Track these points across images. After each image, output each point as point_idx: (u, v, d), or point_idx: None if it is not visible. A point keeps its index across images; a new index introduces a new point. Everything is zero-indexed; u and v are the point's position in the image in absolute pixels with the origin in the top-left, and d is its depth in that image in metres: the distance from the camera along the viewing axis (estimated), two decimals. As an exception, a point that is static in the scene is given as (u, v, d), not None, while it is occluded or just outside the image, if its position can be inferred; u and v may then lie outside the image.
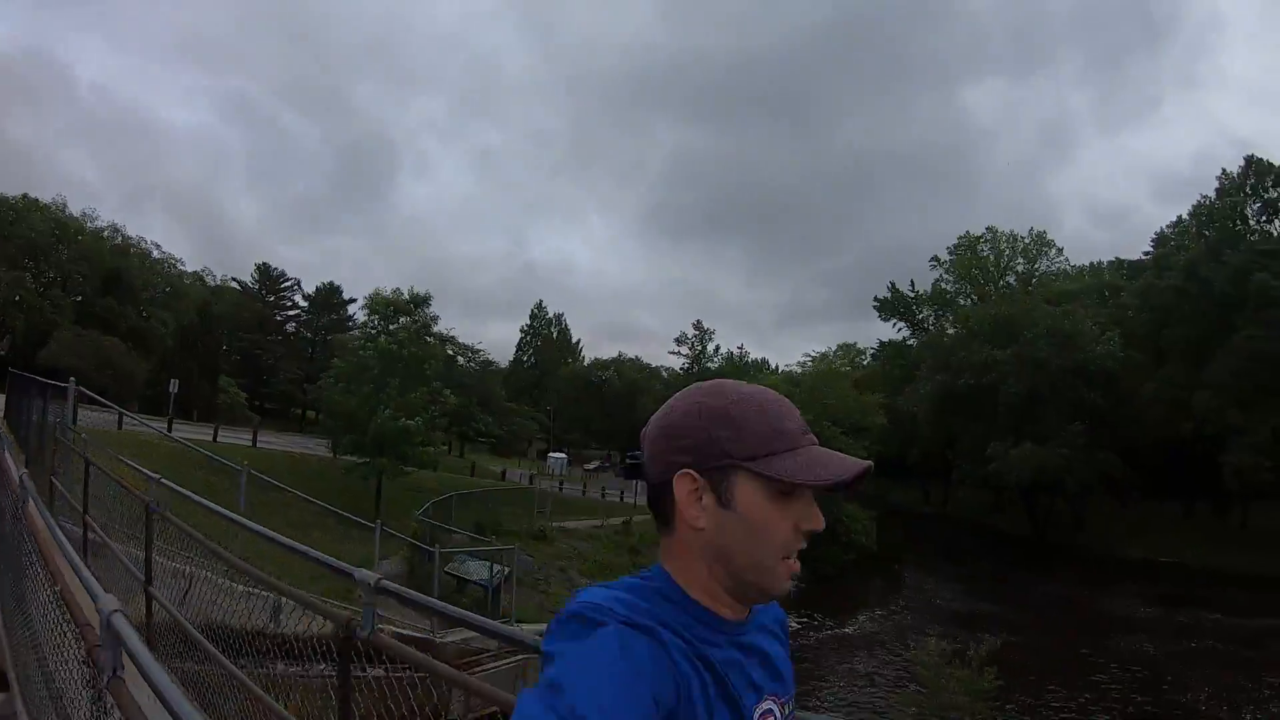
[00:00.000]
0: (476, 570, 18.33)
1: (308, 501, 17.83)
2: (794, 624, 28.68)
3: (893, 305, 58.15)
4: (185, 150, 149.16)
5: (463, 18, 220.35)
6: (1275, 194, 46.73)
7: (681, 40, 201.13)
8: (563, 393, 73.52)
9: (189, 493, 6.52)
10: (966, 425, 47.53)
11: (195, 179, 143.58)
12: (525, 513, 30.34)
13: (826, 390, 38.50)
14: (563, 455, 57.81)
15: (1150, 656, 25.81)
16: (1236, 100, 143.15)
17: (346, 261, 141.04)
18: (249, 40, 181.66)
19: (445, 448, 31.67)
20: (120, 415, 25.25)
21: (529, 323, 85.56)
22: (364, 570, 3.21)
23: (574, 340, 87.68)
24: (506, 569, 18.38)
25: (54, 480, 9.36)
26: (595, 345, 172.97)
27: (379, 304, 28.89)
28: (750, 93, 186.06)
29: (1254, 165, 47.21)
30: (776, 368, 58.46)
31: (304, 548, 4.28)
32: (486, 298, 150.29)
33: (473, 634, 12.99)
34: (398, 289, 29.72)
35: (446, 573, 18.97)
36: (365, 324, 29.11)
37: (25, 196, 53.20)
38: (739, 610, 1.07)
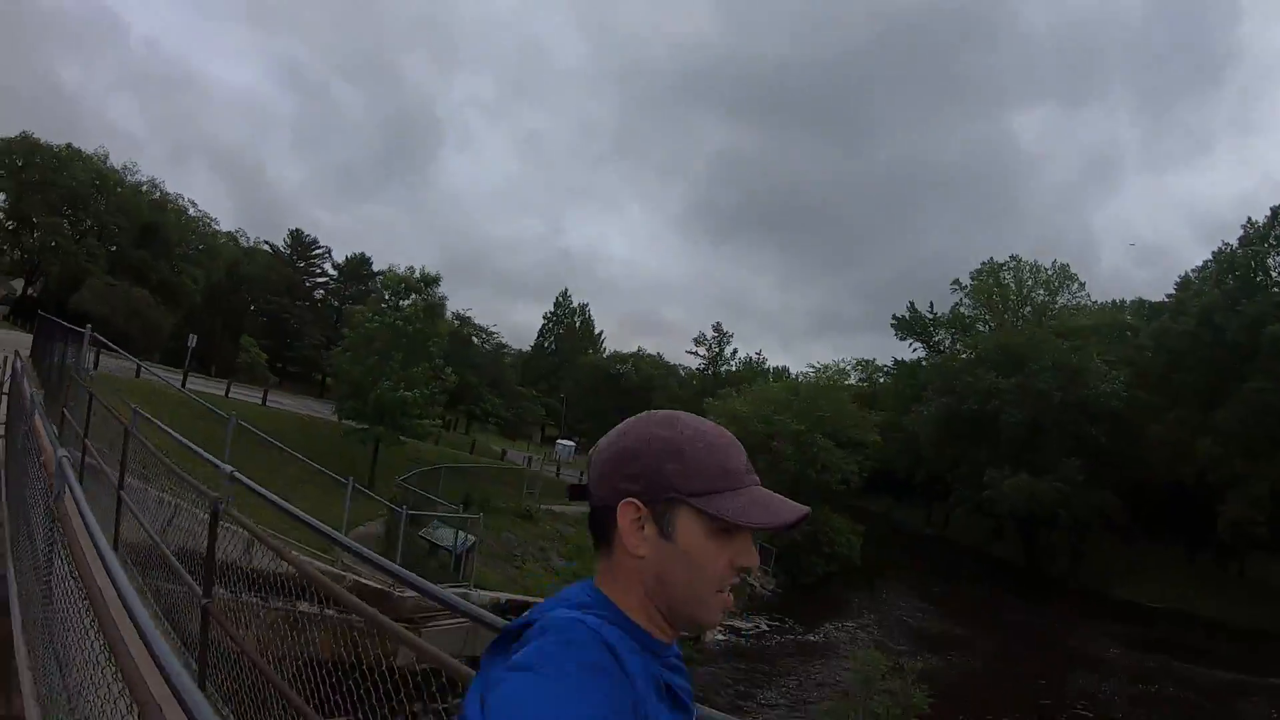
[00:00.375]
0: (445, 537, 19.82)
1: (294, 457, 19.36)
2: (764, 626, 29.97)
3: (910, 325, 58.81)
4: (232, 110, 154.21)
5: (518, 1, 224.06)
6: None
7: (735, 41, 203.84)
8: (580, 382, 75.04)
9: (161, 423, 8.06)
10: (967, 450, 48.19)
11: (240, 139, 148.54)
12: (515, 492, 31.87)
13: (823, 402, 39.41)
14: (571, 443, 59.27)
15: (1102, 697, 26.17)
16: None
17: (383, 232, 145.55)
18: (304, 4, 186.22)
19: (441, 422, 33.00)
20: (138, 365, 27.10)
21: (553, 310, 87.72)
22: (225, 464, 4.45)
23: (596, 331, 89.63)
24: (472, 538, 19.87)
25: (65, 412, 10.86)
26: (620, 336, 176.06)
27: (391, 281, 30.56)
28: (798, 99, 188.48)
29: (1279, 215, 47.43)
30: (796, 375, 59.16)
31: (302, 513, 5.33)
32: (517, 279, 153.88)
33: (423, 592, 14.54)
34: (411, 267, 31.40)
35: (420, 537, 20.53)
36: (376, 298, 30.62)
37: (69, 146, 55.73)
38: (669, 635, 1.13)
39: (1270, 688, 28.05)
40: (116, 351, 24.65)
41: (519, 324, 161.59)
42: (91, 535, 2.78)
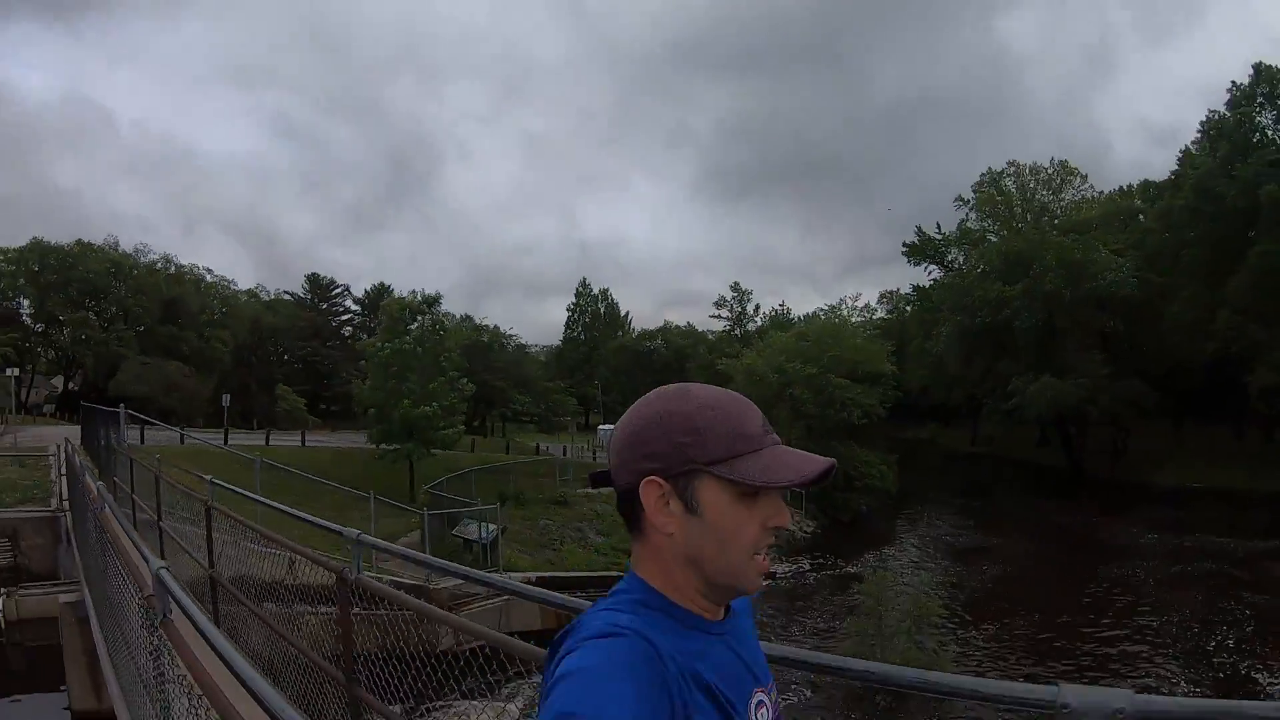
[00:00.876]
0: (474, 531, 22.09)
1: (327, 485, 21.79)
2: (805, 566, 31.84)
3: (922, 249, 59.50)
4: (233, 172, 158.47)
5: (490, 6, 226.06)
6: None
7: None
8: (612, 366, 77.56)
9: (182, 472, 10.35)
10: (990, 363, 49.46)
11: (246, 198, 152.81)
12: (551, 482, 34.17)
13: (831, 341, 40.95)
14: (610, 427, 60.94)
15: (1137, 582, 26.85)
16: None
17: (401, 259, 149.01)
18: (281, 58, 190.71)
19: (463, 429, 35.37)
20: (181, 433, 29.79)
21: (575, 300, 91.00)
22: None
23: (623, 313, 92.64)
24: (494, 527, 22.12)
25: (115, 480, 13.38)
26: (654, 314, 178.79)
27: (393, 307, 32.99)
28: (787, 46, 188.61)
29: (1263, 73, 47.52)
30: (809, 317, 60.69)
31: (300, 513, 6.32)
32: (542, 279, 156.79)
33: (461, 581, 16.63)
34: (414, 291, 33.88)
35: (454, 535, 22.85)
36: (386, 327, 33.06)
37: (79, 241, 59.24)
38: (716, 610, 1.15)
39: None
40: (154, 424, 27.59)
41: (553, 322, 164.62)
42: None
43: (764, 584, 1.14)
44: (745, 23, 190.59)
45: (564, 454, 45.21)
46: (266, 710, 1.96)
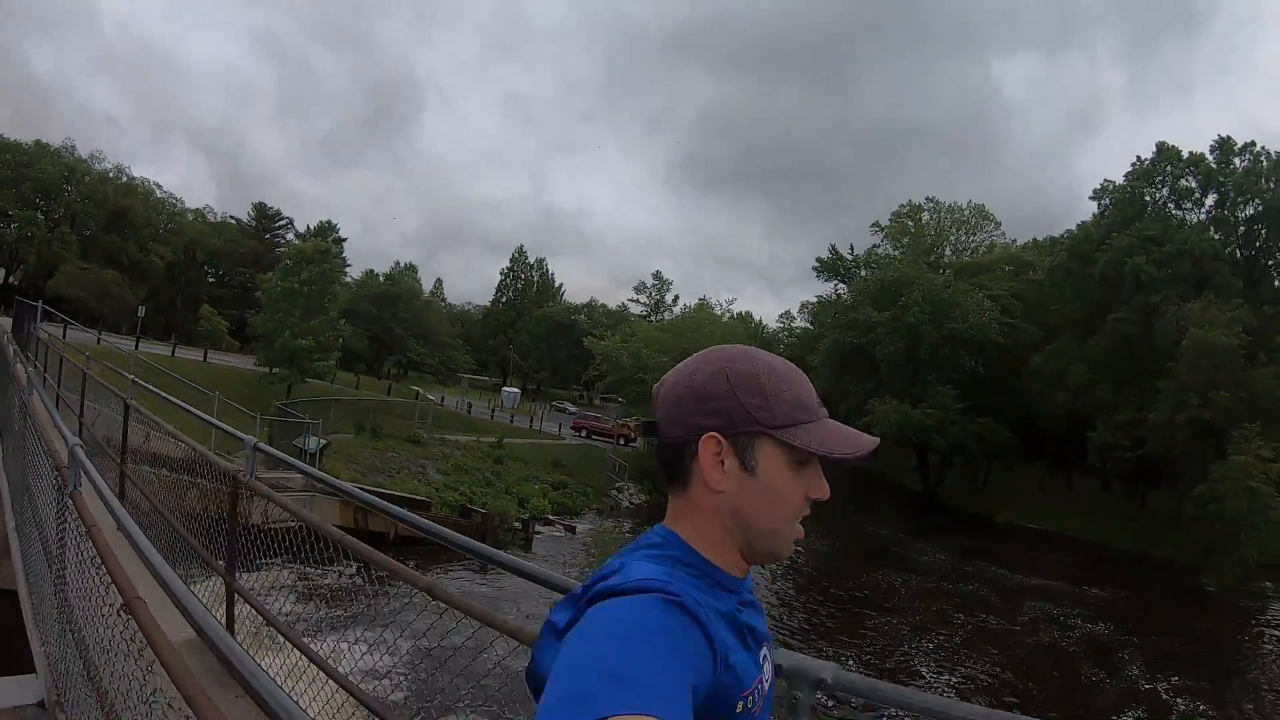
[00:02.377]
0: (308, 443, 29.95)
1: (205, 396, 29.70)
2: (625, 527, 39.70)
3: (832, 267, 67.58)
4: (212, 85, 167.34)
5: None
6: (1188, 181, 54.78)
7: None
8: (534, 332, 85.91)
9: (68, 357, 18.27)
10: (856, 382, 57.23)
11: (221, 114, 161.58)
12: (408, 423, 42.19)
13: (691, 336, 48.59)
14: (515, 391, 70.05)
15: (900, 586, 33.67)
16: (1267, 92, 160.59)
17: (367, 198, 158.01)
18: None
19: (334, 364, 43.30)
20: (98, 335, 37.66)
21: (509, 265, 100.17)
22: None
23: (556, 284, 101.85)
24: (322, 441, 30.04)
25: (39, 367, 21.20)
26: (610, 290, 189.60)
27: (293, 252, 40.94)
28: (784, 50, 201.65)
29: (1165, 151, 55.17)
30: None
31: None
32: (503, 238, 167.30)
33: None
34: (315, 237, 41.92)
35: (293, 444, 30.67)
36: (283, 265, 40.88)
37: (38, 142, 67.58)
38: (743, 570, 1.27)
39: (1054, 589, 35.29)
40: (73, 324, 35.44)
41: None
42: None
43: (793, 552, 1.29)
44: (746, 21, 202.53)
45: (441, 402, 53.59)
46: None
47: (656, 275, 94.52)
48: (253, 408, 31.27)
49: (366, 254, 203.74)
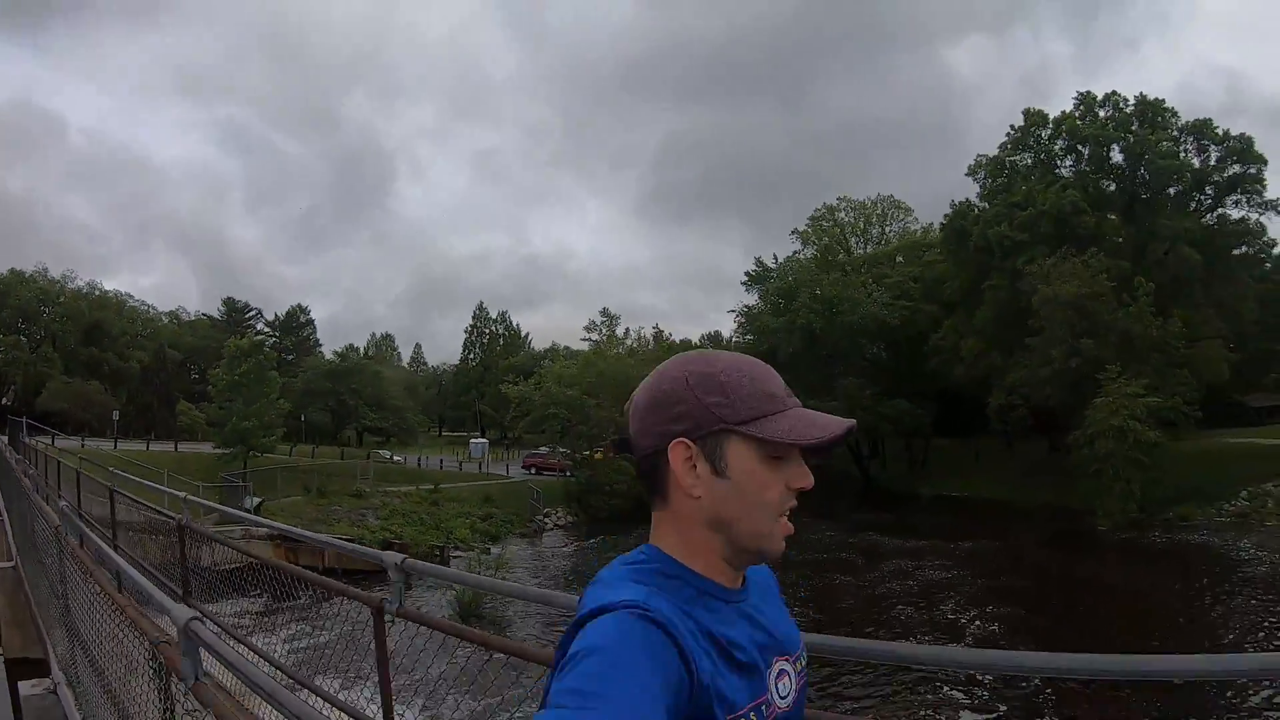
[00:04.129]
0: (247, 503, 41.26)
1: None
2: (558, 539, 50.47)
3: (758, 277, 77.84)
4: (182, 184, 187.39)
5: (446, 25, 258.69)
6: (1054, 144, 64.28)
7: (666, 25, 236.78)
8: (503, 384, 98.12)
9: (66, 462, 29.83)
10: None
11: (196, 212, 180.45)
12: (354, 481, 53.58)
13: (601, 367, 59.57)
14: (484, 441, 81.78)
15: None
16: (1213, 33, 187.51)
17: (351, 274, 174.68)
18: (235, 68, 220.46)
19: (277, 438, 54.91)
20: (81, 440, 49.84)
21: (471, 323, 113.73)
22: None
23: (523, 334, 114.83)
24: (258, 499, 41.43)
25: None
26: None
27: (232, 349, 52.57)
28: (738, 70, 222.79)
29: (1030, 117, 64.57)
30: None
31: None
32: (490, 292, 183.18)
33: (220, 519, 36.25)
34: (285, 322, 53.94)
35: (239, 506, 42.09)
36: (225, 363, 52.61)
37: (12, 270, 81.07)
38: (735, 578, 1.34)
39: (925, 548, 41.00)
40: (51, 431, 47.50)
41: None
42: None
43: (784, 548, 1.33)
44: (696, 47, 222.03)
45: (392, 460, 65.74)
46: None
47: (604, 311, 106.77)
48: (209, 480, 42.88)
49: (357, 325, 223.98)
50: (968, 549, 41.18)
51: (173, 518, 8.74)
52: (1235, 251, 62.01)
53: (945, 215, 66.98)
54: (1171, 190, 61.64)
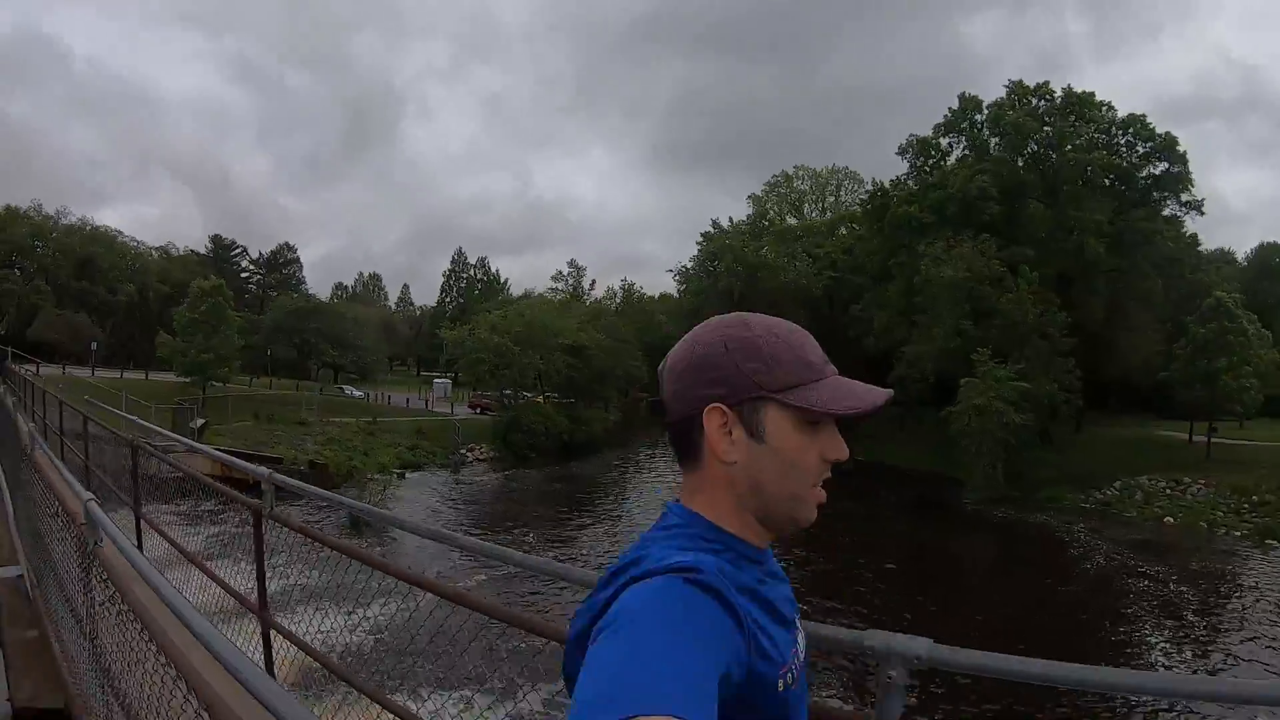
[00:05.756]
0: (194, 423, 53.93)
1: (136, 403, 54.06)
2: (486, 472, 63.06)
3: (717, 240, 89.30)
4: (190, 116, 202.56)
5: None
6: (984, 131, 74.43)
7: None
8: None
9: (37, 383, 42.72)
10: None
11: (201, 144, 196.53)
12: (298, 410, 66.41)
13: (539, 319, 72.07)
14: (445, 381, 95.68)
15: None
16: (1234, 25, 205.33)
17: (355, 209, 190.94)
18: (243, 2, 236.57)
19: (229, 369, 67.83)
20: (63, 367, 63.27)
21: (449, 267, 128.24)
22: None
23: (502, 280, 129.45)
24: (202, 420, 54.19)
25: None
26: (604, 273, 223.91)
27: (194, 291, 65.40)
28: (752, 26, 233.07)
29: (964, 101, 74.16)
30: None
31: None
32: (493, 236, 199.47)
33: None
34: (212, 280, 66.88)
35: (187, 426, 54.86)
36: (189, 301, 65.47)
37: (7, 207, 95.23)
38: (765, 540, 1.45)
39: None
40: (43, 362, 60.78)
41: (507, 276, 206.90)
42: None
43: (816, 516, 1.45)
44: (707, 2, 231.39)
45: (341, 394, 79.90)
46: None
47: (571, 263, 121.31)
48: (165, 404, 55.84)
49: (356, 262, 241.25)
50: (845, 511, 45.49)
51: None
52: (1154, 248, 68.26)
53: (867, 191, 77.83)
54: (1091, 184, 69.08)
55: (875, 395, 1.40)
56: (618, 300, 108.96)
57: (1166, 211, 70.58)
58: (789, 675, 1.33)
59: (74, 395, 22.27)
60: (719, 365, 1.38)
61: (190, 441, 13.06)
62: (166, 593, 2.95)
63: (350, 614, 5.91)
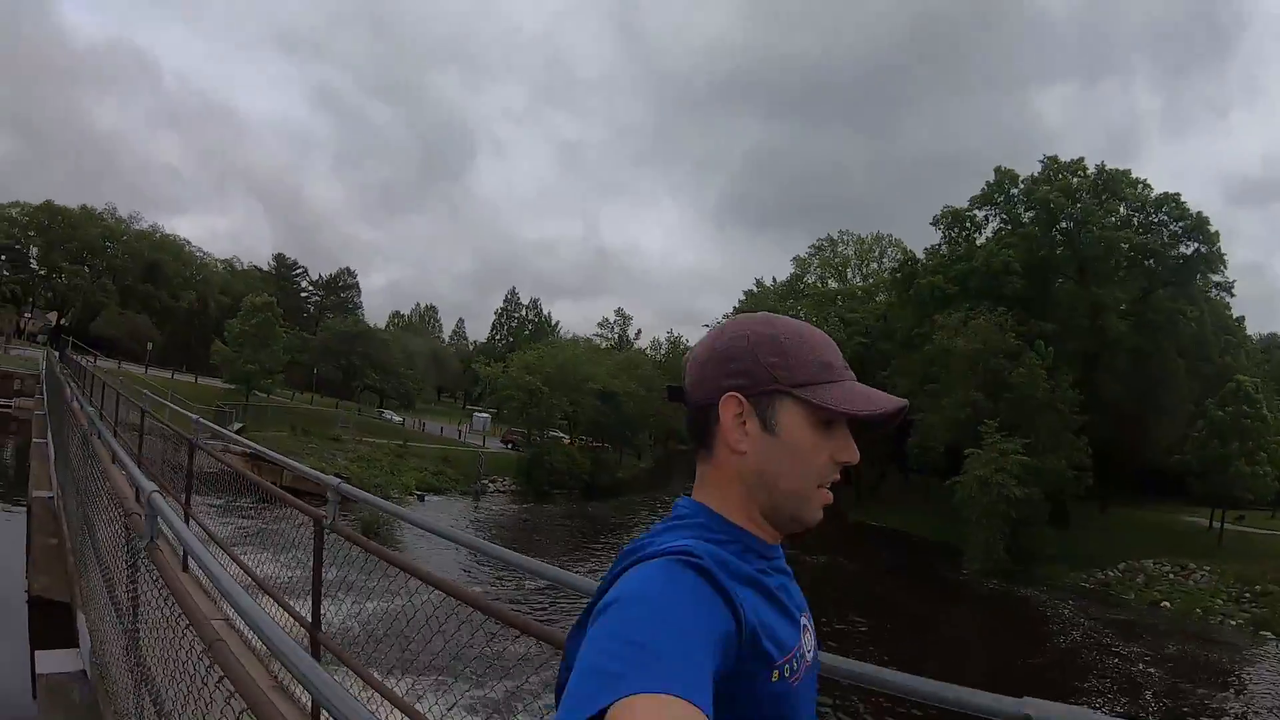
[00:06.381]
0: (231, 426, 60.36)
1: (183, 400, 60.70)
2: (510, 503, 68.73)
3: (758, 298, 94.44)
4: (271, 138, 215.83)
5: (546, 14, 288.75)
6: (1018, 205, 77.49)
7: (764, 41, 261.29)
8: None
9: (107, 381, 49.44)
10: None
11: (279, 165, 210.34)
12: (333, 427, 72.72)
13: (569, 363, 78.14)
14: (486, 415, 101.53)
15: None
16: None
17: (423, 241, 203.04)
18: (335, 32, 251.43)
19: (272, 382, 74.09)
20: (119, 363, 70.40)
21: (501, 306, 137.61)
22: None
23: (554, 322, 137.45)
24: (240, 424, 60.60)
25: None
26: (660, 325, 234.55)
27: (246, 305, 72.20)
28: (828, 94, 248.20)
29: (1000, 174, 77.15)
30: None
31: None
32: (557, 279, 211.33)
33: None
34: (265, 296, 73.75)
35: (228, 429, 61.36)
36: (242, 314, 72.20)
37: (83, 207, 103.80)
38: (773, 535, 1.52)
39: (814, 564, 48.51)
40: (101, 355, 67.96)
41: (561, 319, 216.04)
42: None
43: (821, 517, 1.52)
44: (787, 65, 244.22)
45: (380, 417, 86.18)
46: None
47: (618, 312, 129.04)
48: (208, 405, 62.38)
49: (417, 293, 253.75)
50: (838, 566, 51.24)
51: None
52: (1179, 329, 69.64)
53: (896, 261, 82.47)
54: (1119, 262, 71.96)
55: (890, 402, 1.50)
56: (662, 351, 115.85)
57: (1212, 293, 73.48)
58: (787, 668, 1.39)
59: (128, 389, 25.49)
60: (740, 356, 1.48)
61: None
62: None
63: (404, 640, 5.81)
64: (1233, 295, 76.46)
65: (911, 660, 31.46)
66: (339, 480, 6.79)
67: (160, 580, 3.97)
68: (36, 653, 7.27)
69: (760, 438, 1.45)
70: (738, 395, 1.45)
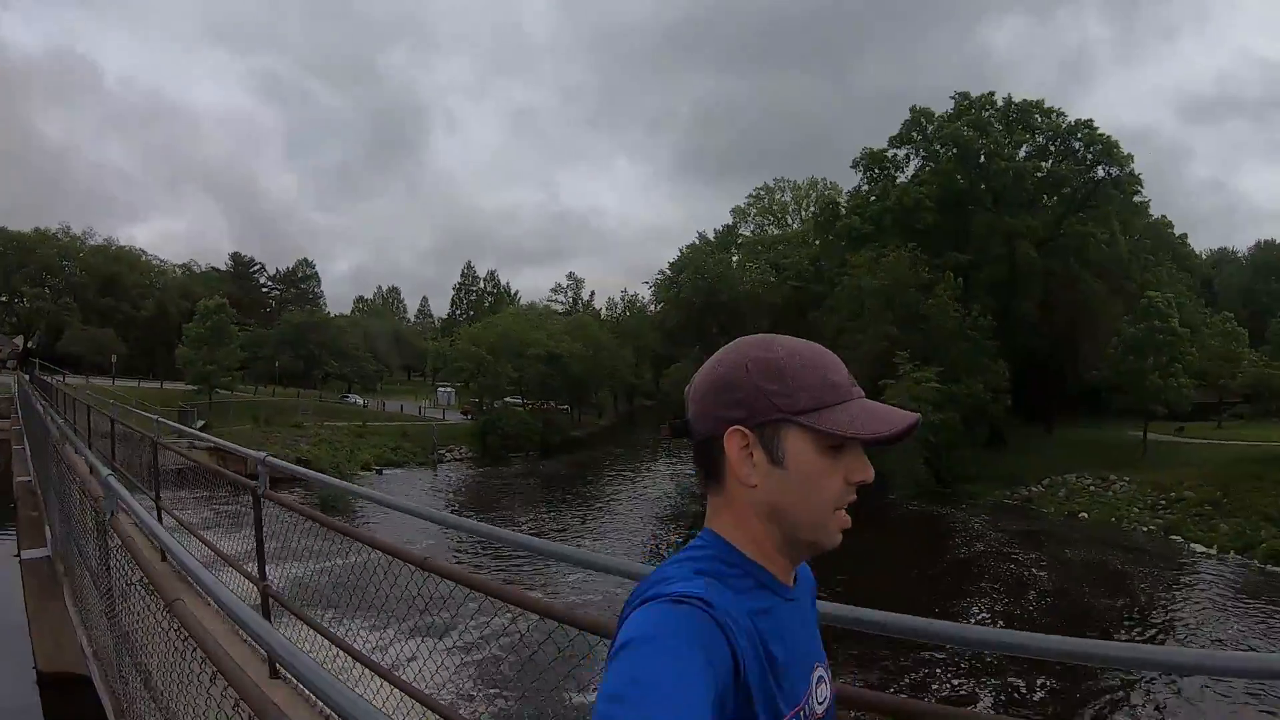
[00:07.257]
0: (193, 423, 68.57)
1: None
2: (467, 470, 77.11)
3: (698, 250, 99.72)
4: (220, 132, 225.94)
5: None
6: (935, 142, 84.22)
7: None
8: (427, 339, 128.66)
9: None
10: (672, 351, 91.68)
11: (229, 159, 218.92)
12: (295, 415, 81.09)
13: (516, 329, 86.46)
14: (449, 389, 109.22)
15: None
16: (1252, 25, 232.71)
17: (383, 222, 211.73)
18: (276, 18, 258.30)
19: (232, 378, 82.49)
20: (87, 377, 78.85)
21: (459, 281, 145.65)
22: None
23: (513, 292, 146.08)
24: (202, 421, 68.90)
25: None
26: (625, 281, 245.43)
27: (201, 309, 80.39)
28: (778, 37, 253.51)
29: (915, 114, 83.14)
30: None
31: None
32: (519, 247, 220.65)
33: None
34: (218, 298, 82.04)
35: (189, 427, 69.60)
36: (197, 318, 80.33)
37: (36, 230, 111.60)
38: (790, 571, 1.55)
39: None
40: (68, 372, 76.35)
41: (523, 288, 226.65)
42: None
43: (839, 541, 1.53)
44: (738, 10, 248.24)
45: (341, 400, 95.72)
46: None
47: (570, 276, 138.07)
48: (170, 407, 70.76)
49: (383, 274, 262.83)
50: None
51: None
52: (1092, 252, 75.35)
53: (816, 203, 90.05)
54: (1033, 191, 78.55)
55: (901, 419, 1.48)
56: (619, 310, 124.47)
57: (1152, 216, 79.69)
58: (795, 718, 1.43)
59: (98, 401, 26.89)
60: (739, 386, 1.48)
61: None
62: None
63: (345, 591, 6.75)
64: (1150, 216, 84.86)
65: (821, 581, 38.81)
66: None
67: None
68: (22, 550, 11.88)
69: (769, 469, 1.48)
70: (741, 428, 1.48)
